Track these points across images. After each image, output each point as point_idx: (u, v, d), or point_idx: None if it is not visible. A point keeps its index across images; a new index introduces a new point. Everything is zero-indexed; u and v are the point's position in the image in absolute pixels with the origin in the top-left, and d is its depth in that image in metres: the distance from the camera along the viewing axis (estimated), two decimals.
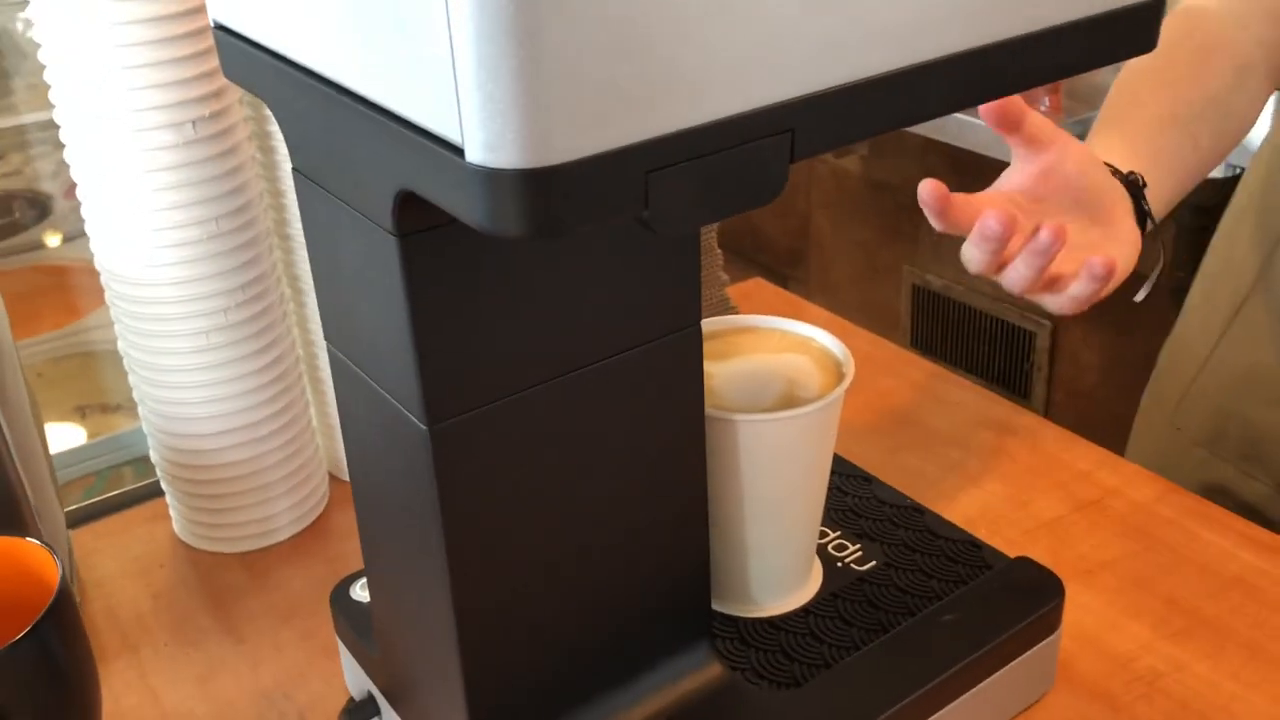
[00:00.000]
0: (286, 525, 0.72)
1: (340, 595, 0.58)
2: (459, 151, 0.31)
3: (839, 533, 0.62)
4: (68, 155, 0.61)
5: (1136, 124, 0.69)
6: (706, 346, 0.58)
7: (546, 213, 0.31)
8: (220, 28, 0.44)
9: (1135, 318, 2.04)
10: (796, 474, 0.54)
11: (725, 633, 0.56)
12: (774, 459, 0.53)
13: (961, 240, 0.57)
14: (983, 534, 0.70)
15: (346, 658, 0.59)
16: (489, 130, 0.30)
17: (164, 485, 0.72)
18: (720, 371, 0.56)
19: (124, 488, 0.85)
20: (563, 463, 0.44)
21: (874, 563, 0.60)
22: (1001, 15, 0.37)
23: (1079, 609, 0.64)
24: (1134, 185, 0.64)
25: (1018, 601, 0.56)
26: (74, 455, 1.14)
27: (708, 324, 0.58)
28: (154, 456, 0.71)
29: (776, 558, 0.56)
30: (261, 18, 0.40)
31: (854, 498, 0.65)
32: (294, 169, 0.43)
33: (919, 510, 0.64)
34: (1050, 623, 0.57)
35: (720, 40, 0.32)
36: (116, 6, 0.55)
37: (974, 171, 2.20)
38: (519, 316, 0.41)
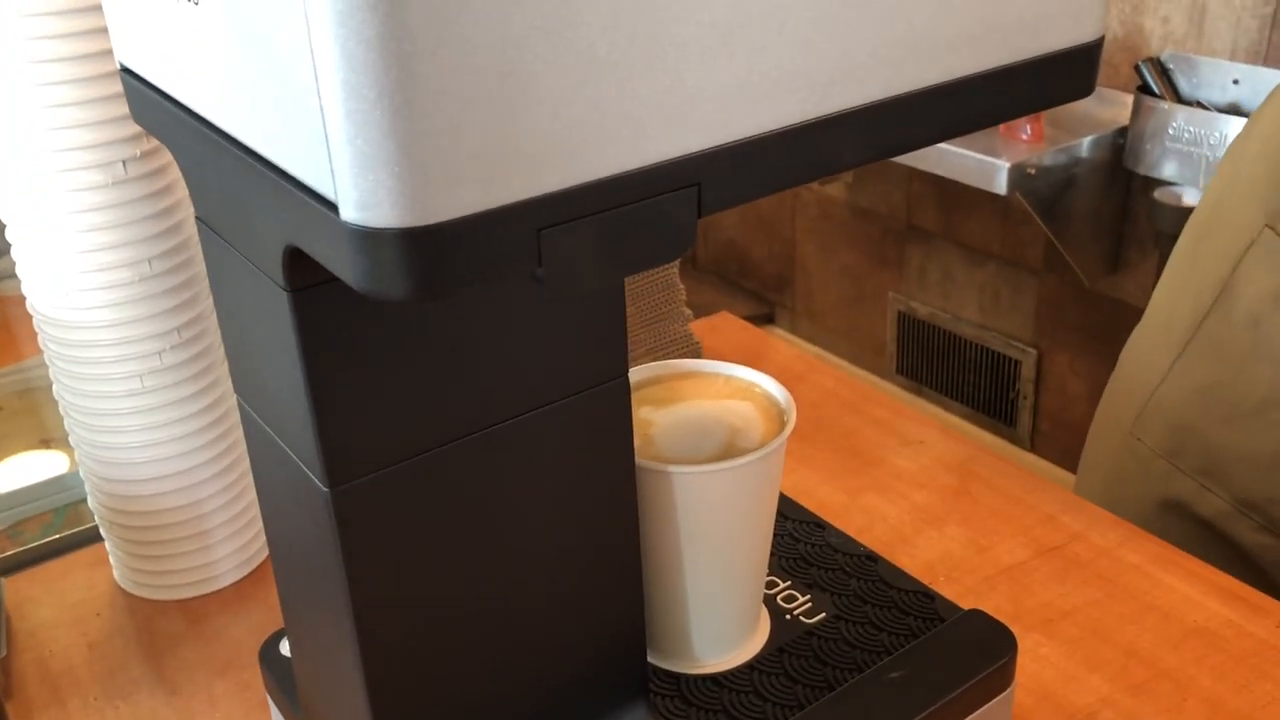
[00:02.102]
0: (228, 572, 0.70)
1: (269, 651, 0.56)
2: (335, 209, 0.29)
3: (789, 583, 0.60)
4: None
5: None
6: (648, 392, 0.56)
7: (428, 274, 0.29)
8: (126, 71, 0.42)
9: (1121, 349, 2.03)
10: (736, 526, 0.53)
11: (666, 690, 0.54)
12: (711, 511, 0.51)
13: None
14: (941, 580, 0.69)
15: (277, 715, 0.57)
16: (362, 188, 0.28)
17: (102, 531, 0.70)
18: (660, 419, 0.54)
19: (81, 525, 0.83)
20: (480, 523, 0.42)
21: (824, 615, 0.58)
22: (923, 62, 0.36)
23: (1037, 661, 0.62)
24: None
25: (968, 657, 0.54)
26: (32, 492, 1.12)
27: (650, 369, 0.56)
28: (91, 502, 0.69)
29: (718, 612, 0.54)
30: (158, 63, 0.38)
31: (806, 545, 0.63)
32: (197, 217, 0.41)
33: (872, 559, 0.62)
34: (1003, 679, 0.55)
35: (616, 91, 0.30)
36: (35, 44, 0.54)
37: (957, 200, 2.20)
38: (427, 372, 0.39)
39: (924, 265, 2.27)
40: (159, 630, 0.67)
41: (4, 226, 0.61)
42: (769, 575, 0.59)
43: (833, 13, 0.33)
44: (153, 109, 0.40)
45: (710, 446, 0.52)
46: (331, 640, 0.43)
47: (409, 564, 0.41)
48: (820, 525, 0.65)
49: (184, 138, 0.39)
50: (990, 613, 0.56)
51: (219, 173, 0.36)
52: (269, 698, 0.57)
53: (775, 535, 0.62)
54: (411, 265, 0.29)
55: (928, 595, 0.59)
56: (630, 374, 0.46)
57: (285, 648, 0.56)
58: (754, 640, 0.56)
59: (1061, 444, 2.18)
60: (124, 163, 0.58)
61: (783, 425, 0.53)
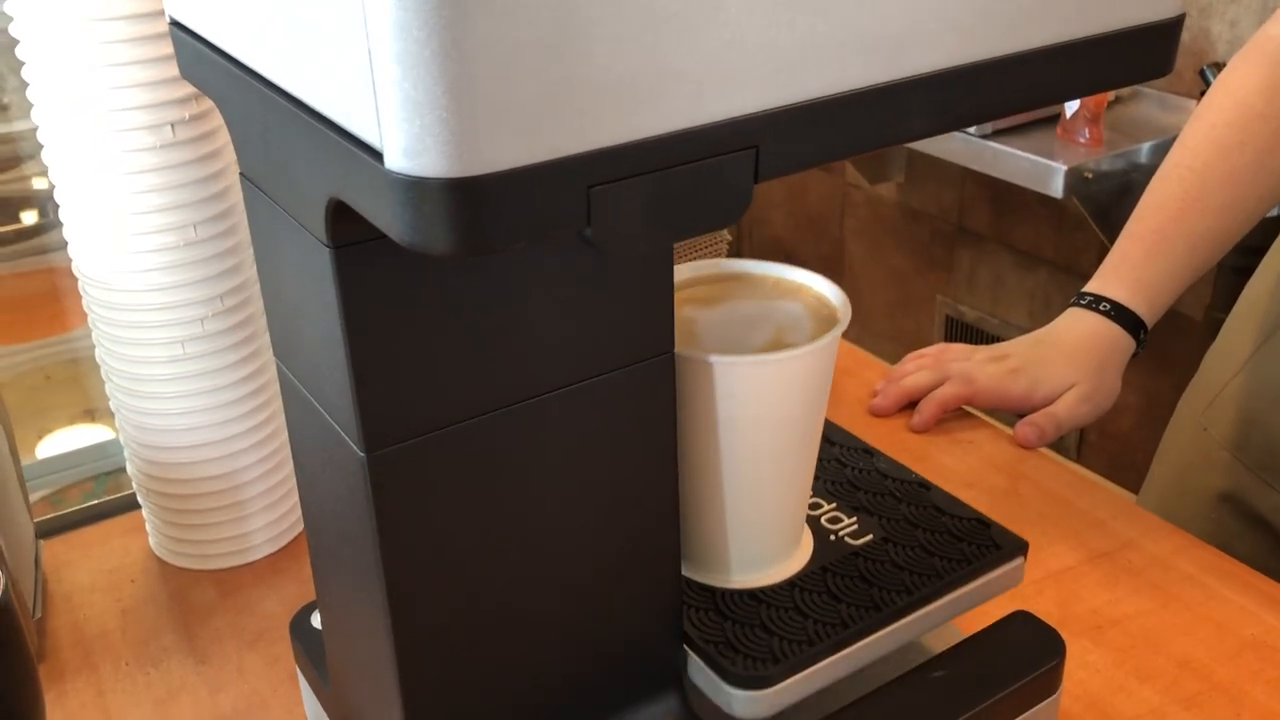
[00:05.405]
0: (263, 544, 0.70)
1: (300, 623, 0.55)
2: (380, 157, 0.28)
3: (834, 504, 0.56)
4: (45, 155, 0.59)
5: (1176, 267, 0.83)
6: (692, 292, 0.51)
7: (474, 227, 0.28)
8: (176, 24, 0.42)
9: (1172, 359, 1.99)
10: (781, 428, 0.48)
11: (700, 603, 0.50)
12: (754, 408, 0.46)
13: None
14: None
15: (306, 688, 0.56)
16: (409, 135, 0.27)
17: (140, 499, 0.70)
18: (703, 317, 0.50)
19: (122, 493, 0.83)
20: (516, 496, 0.41)
21: (870, 537, 0.54)
22: (994, 31, 0.34)
23: (1085, 668, 0.60)
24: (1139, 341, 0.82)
25: (1014, 660, 0.53)
26: (74, 458, 1.13)
27: (695, 268, 0.52)
28: (130, 469, 0.69)
29: (759, 524, 0.50)
30: (207, 13, 0.38)
31: (853, 470, 0.59)
32: (240, 173, 0.40)
33: (925, 486, 0.58)
34: (1049, 684, 0.53)
35: (675, 45, 0.29)
36: (95, 2, 0.53)
37: (1010, 203, 2.16)
38: (469, 338, 0.38)
39: (974, 269, 2.23)
40: (192, 599, 0.67)
41: (54, 188, 0.61)
42: (813, 498, 0.55)
43: None
44: (201, 63, 0.40)
45: (755, 344, 0.48)
46: (363, 610, 0.42)
47: (443, 534, 0.40)
48: (869, 452, 0.61)
49: (230, 90, 0.38)
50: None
51: (264, 124, 0.36)
52: (298, 670, 0.56)
53: (821, 460, 0.57)
54: (456, 218, 0.28)
55: (983, 522, 0.55)
56: (675, 272, 0.43)
57: (317, 620, 0.55)
58: (795, 559, 0.52)
59: (1109, 454, 2.14)
60: (172, 125, 0.58)
61: (835, 325, 0.48)
